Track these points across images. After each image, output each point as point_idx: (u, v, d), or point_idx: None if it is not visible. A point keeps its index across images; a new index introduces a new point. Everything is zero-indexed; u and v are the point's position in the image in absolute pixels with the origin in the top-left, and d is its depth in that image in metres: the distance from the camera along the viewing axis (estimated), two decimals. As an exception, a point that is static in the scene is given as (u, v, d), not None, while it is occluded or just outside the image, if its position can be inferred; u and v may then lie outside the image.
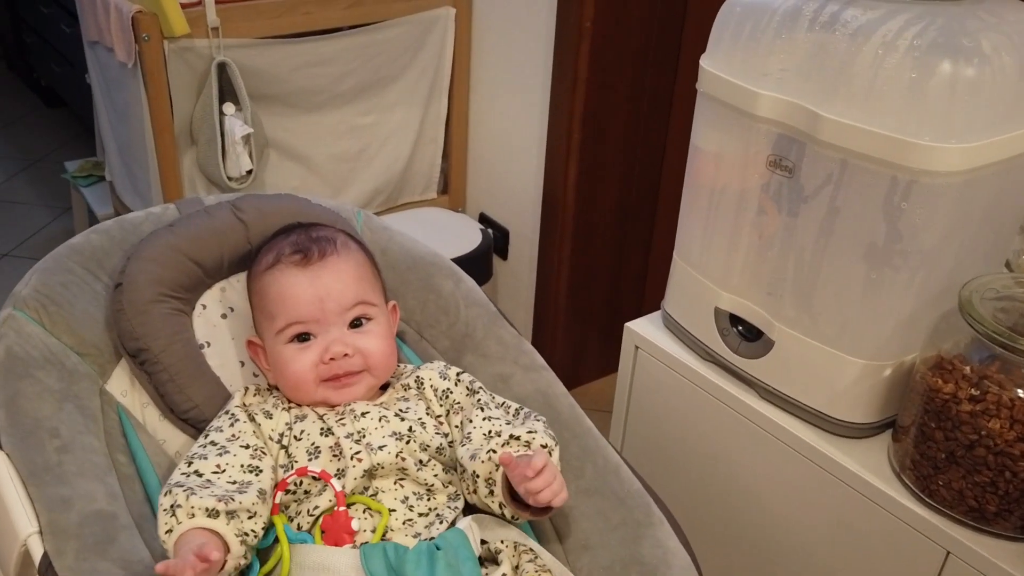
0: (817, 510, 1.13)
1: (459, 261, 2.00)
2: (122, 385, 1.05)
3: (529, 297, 2.17)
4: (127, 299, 1.03)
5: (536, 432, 0.99)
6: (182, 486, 0.88)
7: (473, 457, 0.98)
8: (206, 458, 0.93)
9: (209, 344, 1.10)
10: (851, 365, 1.06)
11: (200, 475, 0.92)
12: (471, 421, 1.02)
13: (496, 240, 2.19)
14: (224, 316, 1.12)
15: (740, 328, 1.17)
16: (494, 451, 0.96)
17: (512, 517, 0.98)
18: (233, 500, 0.88)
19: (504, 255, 2.22)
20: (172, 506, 0.87)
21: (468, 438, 1.01)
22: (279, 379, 1.04)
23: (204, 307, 1.11)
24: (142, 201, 2.04)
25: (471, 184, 2.27)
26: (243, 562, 0.89)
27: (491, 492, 0.97)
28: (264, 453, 0.97)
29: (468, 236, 2.09)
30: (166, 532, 0.86)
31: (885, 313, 1.03)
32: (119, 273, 1.06)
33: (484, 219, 2.24)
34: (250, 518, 0.89)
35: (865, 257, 1.00)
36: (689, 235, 1.22)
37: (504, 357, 1.16)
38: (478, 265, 2.08)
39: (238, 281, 1.14)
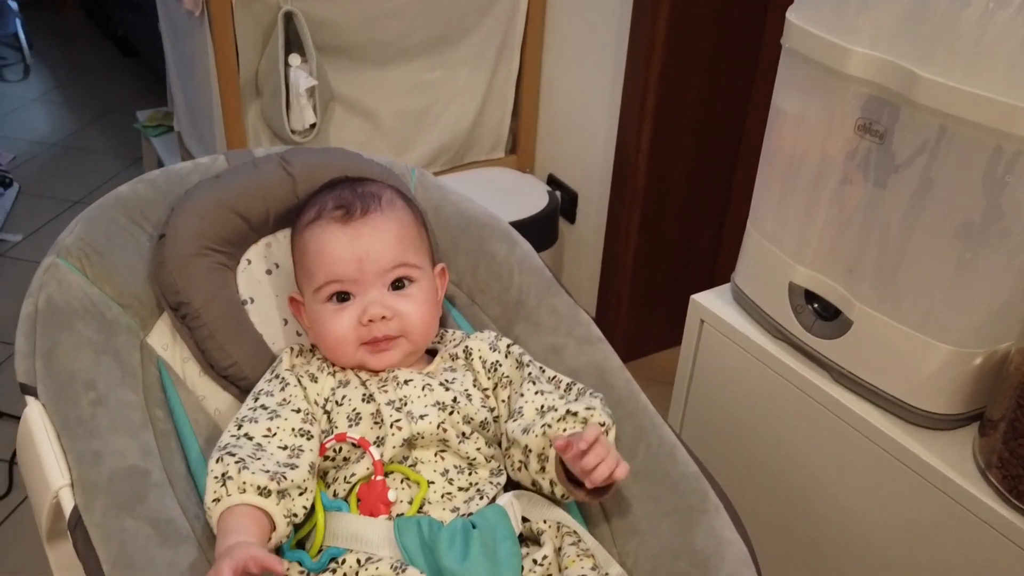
0: (889, 505, 1.04)
1: (524, 223, 1.97)
2: (163, 339, 1.02)
3: (595, 263, 2.10)
4: (169, 252, 1.00)
5: (595, 409, 0.93)
6: (234, 455, 0.85)
7: (526, 431, 0.93)
8: (256, 421, 0.90)
9: (252, 300, 1.07)
10: (937, 351, 0.97)
11: (250, 438, 0.88)
12: (522, 395, 0.97)
13: (564, 203, 2.13)
14: (269, 272, 1.09)
15: (816, 306, 1.09)
16: (549, 425, 0.91)
17: (563, 497, 0.92)
18: (285, 478, 0.85)
19: (572, 219, 2.16)
20: (223, 475, 0.84)
21: (520, 412, 0.96)
22: (317, 339, 1.00)
23: (249, 262, 1.08)
24: (207, 153, 2.03)
25: (540, 145, 2.20)
26: (285, 540, 0.86)
27: (543, 468, 0.92)
28: (315, 418, 0.94)
29: (535, 198, 2.03)
30: (213, 500, 0.83)
31: (979, 297, 0.93)
32: (163, 225, 1.03)
33: (553, 181, 2.18)
34: (300, 495, 0.86)
35: (959, 235, 0.90)
36: (765, 204, 1.13)
37: (557, 328, 1.09)
38: (544, 228, 2.02)
39: (284, 237, 1.10)
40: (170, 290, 1.00)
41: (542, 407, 0.95)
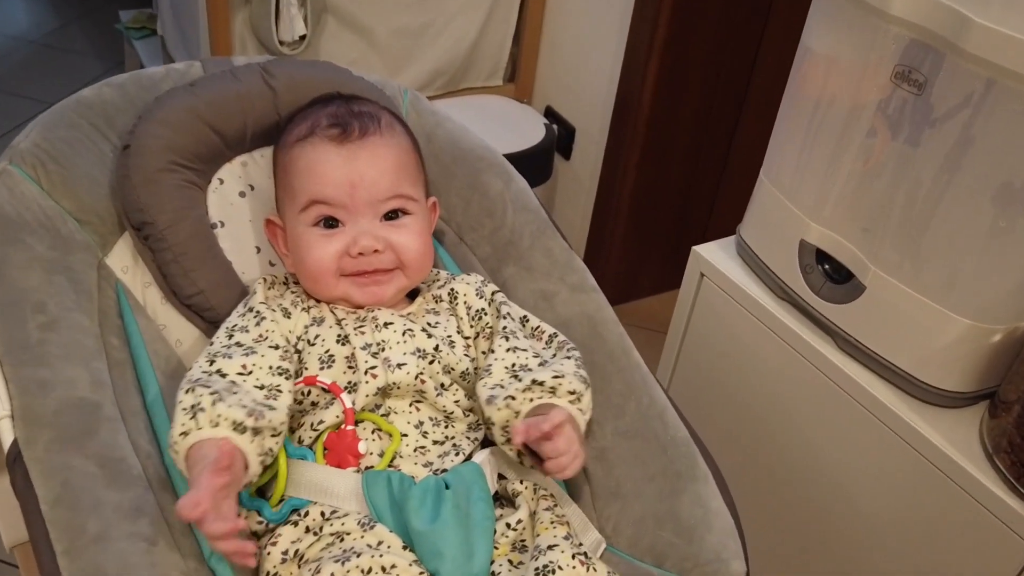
0: (888, 483, 0.99)
1: (518, 156, 1.89)
2: (124, 260, 0.94)
3: (588, 202, 2.03)
4: (134, 164, 0.92)
5: (563, 376, 0.86)
6: (208, 387, 0.77)
7: (490, 401, 0.86)
8: (231, 357, 0.82)
9: (222, 224, 0.98)
10: (954, 324, 0.90)
11: (224, 375, 0.81)
12: (493, 352, 0.90)
13: (561, 137, 2.05)
14: (242, 194, 1.00)
15: (827, 267, 1.02)
16: (512, 397, 0.84)
17: (531, 466, 0.86)
18: (263, 416, 0.77)
19: (567, 154, 2.08)
20: (194, 407, 0.76)
21: (488, 371, 0.89)
22: (298, 266, 0.92)
23: (221, 182, 0.99)
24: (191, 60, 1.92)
25: (541, 74, 2.11)
26: (253, 481, 0.79)
27: (507, 440, 0.86)
28: (292, 356, 0.87)
29: (530, 130, 1.95)
30: (181, 434, 0.75)
31: (1008, 268, 0.86)
32: (128, 134, 0.94)
33: (550, 113, 2.09)
34: (274, 435, 0.79)
35: (995, 200, 0.83)
36: (781, 153, 1.05)
37: (550, 273, 1.02)
38: (537, 163, 1.95)
39: (262, 156, 1.01)
40: (133, 207, 0.92)
41: (513, 366, 0.88)
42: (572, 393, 0.86)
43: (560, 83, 2.06)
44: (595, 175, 1.99)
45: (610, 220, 1.99)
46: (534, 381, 0.85)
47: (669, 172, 1.94)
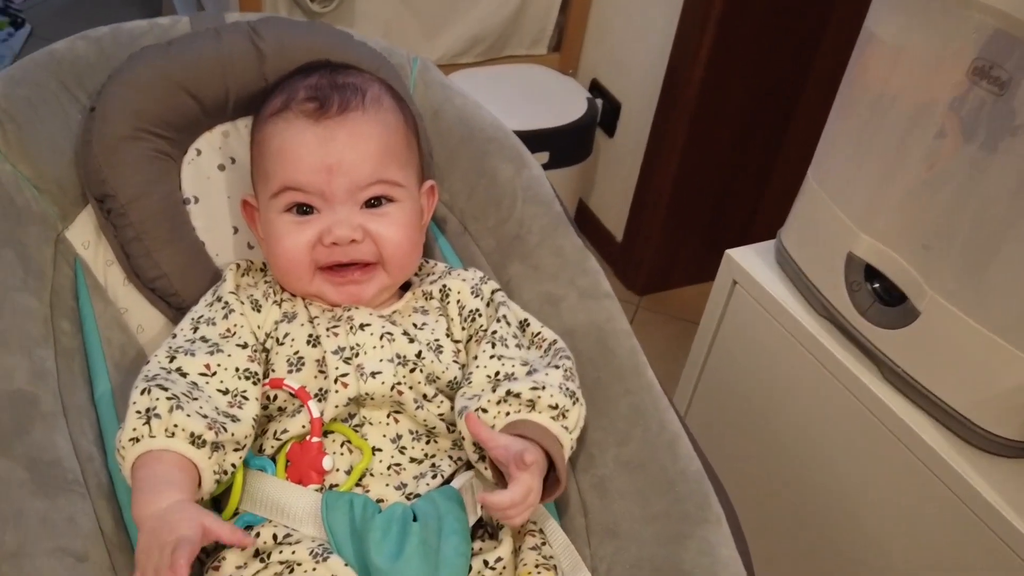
0: (929, 538, 0.88)
1: (556, 132, 1.77)
2: (85, 234, 0.86)
3: (630, 183, 1.91)
4: (97, 130, 0.83)
5: (543, 388, 0.75)
6: (165, 389, 0.69)
7: (462, 413, 0.76)
8: (193, 355, 0.74)
9: (196, 200, 0.89)
10: (1020, 365, 0.78)
11: (184, 375, 0.73)
12: (476, 358, 0.80)
13: (605, 113, 1.93)
14: (222, 168, 0.91)
15: (876, 286, 0.90)
16: (484, 410, 0.75)
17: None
18: (224, 430, 0.69)
19: (611, 131, 1.95)
20: (148, 411, 0.68)
21: (468, 380, 0.79)
22: (269, 256, 0.84)
23: (198, 153, 0.90)
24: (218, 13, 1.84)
25: (588, 44, 2.00)
26: (205, 498, 0.71)
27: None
28: (260, 355, 0.78)
29: (572, 104, 1.84)
30: (131, 440, 0.67)
31: (1091, 307, 0.73)
32: (96, 95, 0.85)
33: (596, 87, 1.97)
34: (236, 450, 0.71)
35: (1083, 227, 0.70)
36: (833, 151, 0.92)
37: (558, 274, 0.91)
38: (576, 139, 1.85)
39: (246, 127, 0.92)
40: (94, 177, 0.83)
41: (496, 374, 0.79)
42: (554, 408, 0.75)
43: (608, 55, 1.93)
44: (638, 155, 1.87)
45: (651, 202, 1.87)
46: (509, 392, 0.75)
47: (717, 156, 1.82)
